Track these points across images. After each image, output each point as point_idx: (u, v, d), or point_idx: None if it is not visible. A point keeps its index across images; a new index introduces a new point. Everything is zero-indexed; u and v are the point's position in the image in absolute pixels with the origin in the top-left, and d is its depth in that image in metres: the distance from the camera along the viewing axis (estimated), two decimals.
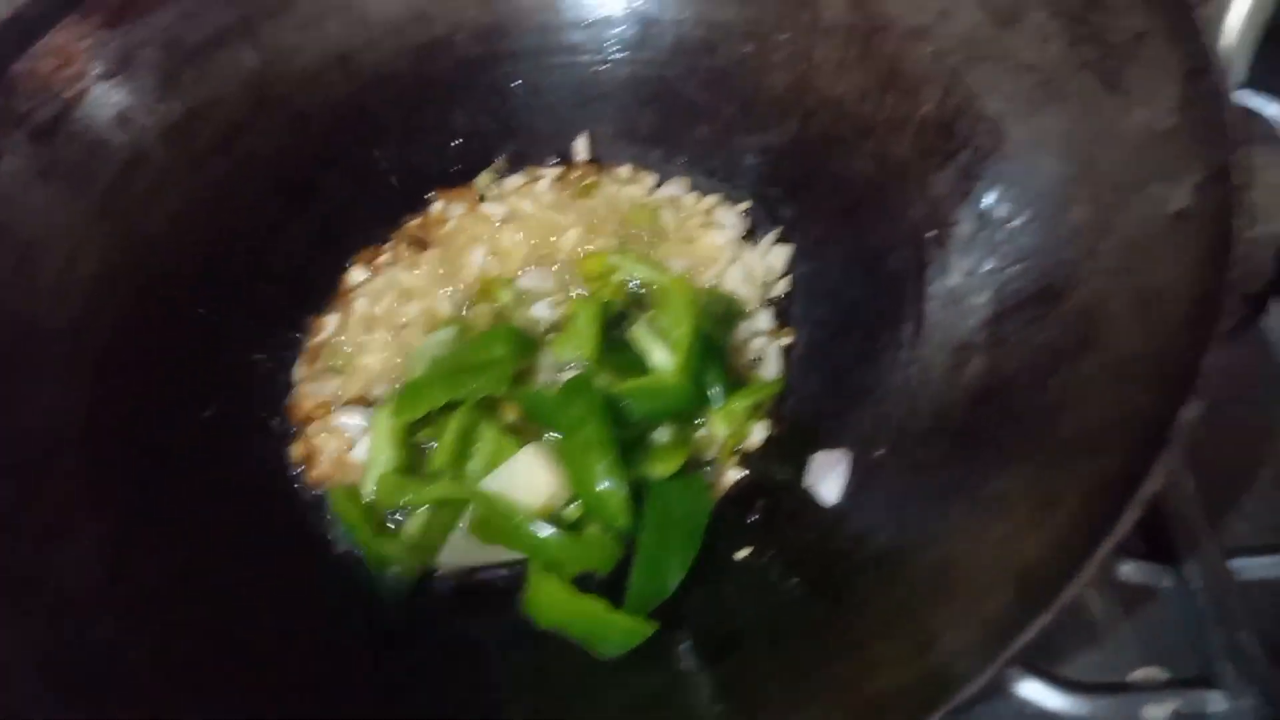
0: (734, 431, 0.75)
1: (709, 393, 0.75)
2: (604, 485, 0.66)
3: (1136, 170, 0.59)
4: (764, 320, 0.83)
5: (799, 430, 0.75)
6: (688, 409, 0.75)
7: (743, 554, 0.68)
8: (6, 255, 0.76)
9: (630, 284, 0.84)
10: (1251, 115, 0.93)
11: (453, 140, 0.97)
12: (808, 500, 0.68)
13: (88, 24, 0.84)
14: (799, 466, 0.71)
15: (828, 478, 0.68)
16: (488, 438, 0.73)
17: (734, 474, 0.74)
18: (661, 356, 0.75)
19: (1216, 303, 0.47)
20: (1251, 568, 0.69)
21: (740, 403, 0.75)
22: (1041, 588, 0.43)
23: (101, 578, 0.65)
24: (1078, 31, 0.66)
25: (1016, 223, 0.68)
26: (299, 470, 0.79)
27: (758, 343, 0.82)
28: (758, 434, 0.76)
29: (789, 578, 0.65)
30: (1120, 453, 0.47)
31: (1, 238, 0.76)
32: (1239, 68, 0.61)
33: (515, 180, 0.95)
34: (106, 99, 0.84)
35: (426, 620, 0.69)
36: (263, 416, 0.82)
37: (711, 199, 0.91)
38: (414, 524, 0.71)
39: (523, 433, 0.74)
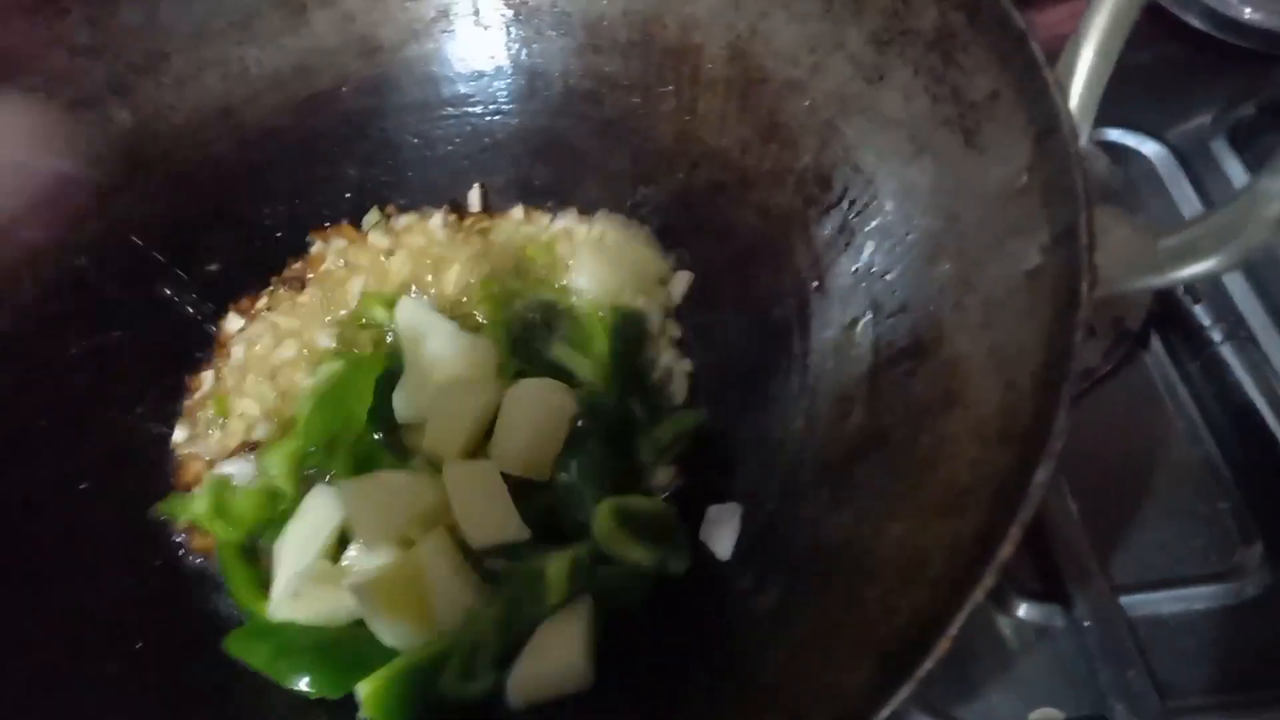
0: (656, 456, 0.76)
1: (634, 409, 0.76)
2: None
3: (995, 227, 0.61)
4: (669, 341, 0.84)
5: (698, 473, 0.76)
6: (620, 421, 0.75)
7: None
8: None
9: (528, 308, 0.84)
10: (1127, 154, 0.99)
11: (344, 194, 0.95)
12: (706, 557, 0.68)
13: None
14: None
15: (722, 532, 0.68)
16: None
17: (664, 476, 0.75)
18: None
19: (1064, 365, 0.48)
20: (1140, 604, 0.72)
21: (665, 430, 0.76)
22: (898, 664, 0.43)
23: None
24: (938, 89, 0.68)
25: (890, 276, 0.69)
26: (182, 539, 0.77)
27: (664, 360, 0.83)
28: (663, 476, 0.76)
29: (688, 639, 0.65)
30: (981, 513, 0.49)
31: None
32: (1085, 121, 0.63)
33: (406, 219, 0.94)
34: None
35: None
36: (143, 489, 0.79)
37: (604, 225, 0.91)
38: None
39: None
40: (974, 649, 0.71)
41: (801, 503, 0.66)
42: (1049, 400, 0.48)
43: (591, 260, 0.86)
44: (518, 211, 0.94)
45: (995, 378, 0.55)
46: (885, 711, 0.41)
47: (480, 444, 0.73)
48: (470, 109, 0.96)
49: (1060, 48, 0.71)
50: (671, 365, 0.81)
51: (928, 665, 0.42)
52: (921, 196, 0.69)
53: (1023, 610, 0.73)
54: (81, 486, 0.76)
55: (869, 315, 0.70)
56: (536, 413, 0.72)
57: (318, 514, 0.70)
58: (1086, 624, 0.70)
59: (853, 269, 0.73)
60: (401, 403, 0.76)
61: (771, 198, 0.81)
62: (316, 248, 0.93)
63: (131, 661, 0.68)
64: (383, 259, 0.91)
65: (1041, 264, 0.56)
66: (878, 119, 0.73)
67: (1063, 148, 0.57)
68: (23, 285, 0.82)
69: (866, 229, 0.73)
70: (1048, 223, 0.56)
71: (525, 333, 0.82)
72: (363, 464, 0.74)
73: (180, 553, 0.77)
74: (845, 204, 0.75)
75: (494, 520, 0.68)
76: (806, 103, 0.79)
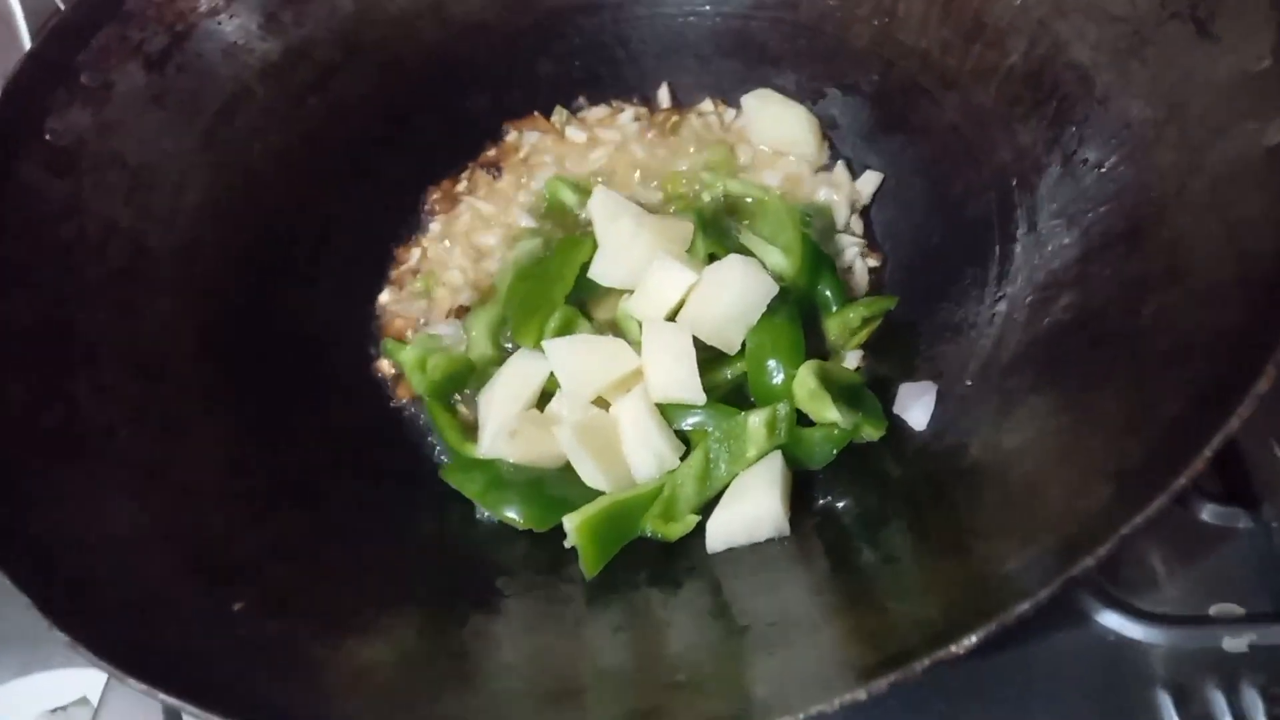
0: (847, 340, 0.79)
1: (825, 294, 0.79)
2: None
3: (1227, 111, 0.61)
4: (853, 236, 0.86)
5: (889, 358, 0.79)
6: (809, 303, 0.79)
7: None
8: (119, 180, 0.80)
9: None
10: None
11: (540, 88, 0.99)
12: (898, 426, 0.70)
13: None
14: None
15: (915, 406, 0.70)
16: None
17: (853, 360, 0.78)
18: (776, 258, 0.78)
19: None
20: None
21: (856, 312, 0.78)
22: (1141, 483, 0.45)
23: (218, 473, 0.69)
24: None
25: (1104, 167, 0.70)
26: (388, 384, 0.84)
27: (848, 255, 0.85)
28: (851, 360, 0.79)
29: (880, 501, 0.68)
30: (1221, 363, 0.50)
31: (115, 162, 0.80)
32: None
33: (598, 112, 0.98)
34: (213, 33, 0.87)
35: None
36: (356, 336, 0.86)
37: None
38: None
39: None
40: (1155, 542, 0.72)
41: (1003, 380, 0.67)
42: None
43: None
44: (706, 105, 0.97)
45: (1228, 250, 0.56)
46: (1138, 520, 0.43)
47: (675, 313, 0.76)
48: (664, 9, 0.98)
49: None
50: (854, 261, 0.83)
51: (1180, 481, 0.43)
52: (1142, 88, 0.68)
53: (1206, 512, 0.73)
54: (308, 337, 0.83)
55: (1079, 205, 0.70)
56: (735, 288, 0.74)
57: (526, 369, 0.75)
58: (1274, 525, 0.70)
59: (1061, 162, 0.73)
60: (600, 274, 0.80)
61: (973, 97, 0.81)
62: (511, 136, 0.98)
63: (355, 486, 0.74)
64: (576, 149, 0.95)
65: None
66: (1097, 15, 0.73)
67: None
68: (253, 150, 0.89)
69: (1078, 122, 0.73)
70: None
71: (715, 219, 0.85)
72: (561, 330, 0.78)
73: (390, 401, 0.83)
74: (1055, 101, 0.75)
75: (677, 379, 0.71)
76: (1018, 1, 0.79)
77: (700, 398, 0.71)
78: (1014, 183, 0.76)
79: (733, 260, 0.75)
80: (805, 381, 0.69)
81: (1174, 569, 0.71)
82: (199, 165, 0.85)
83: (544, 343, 0.75)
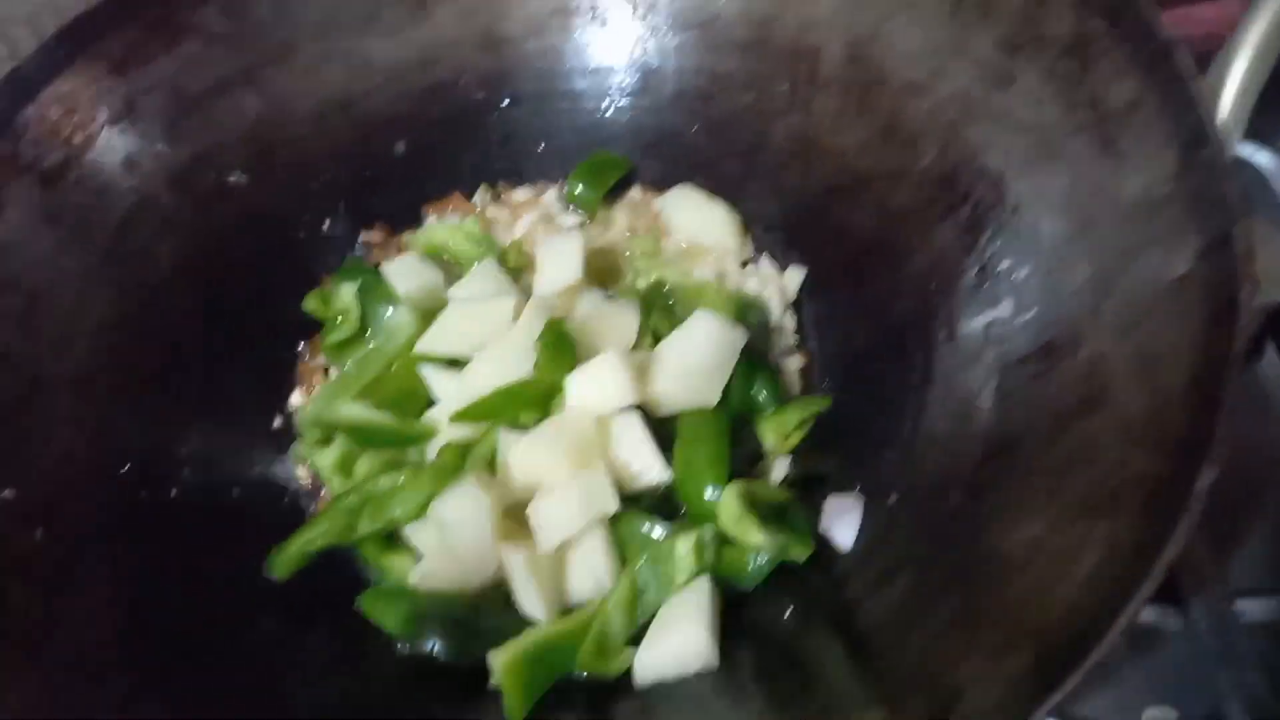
0: (782, 442, 0.78)
1: (757, 397, 0.78)
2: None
3: (1136, 234, 0.62)
4: (785, 334, 0.86)
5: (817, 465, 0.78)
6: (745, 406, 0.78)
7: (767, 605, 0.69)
8: (12, 305, 0.76)
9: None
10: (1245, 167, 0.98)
11: (458, 182, 0.98)
12: (824, 546, 0.70)
13: (94, 71, 0.85)
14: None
15: (841, 523, 0.69)
16: None
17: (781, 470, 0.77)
18: None
19: (1223, 372, 0.49)
20: (1257, 609, 0.72)
21: (791, 415, 0.77)
22: (1065, 648, 0.44)
23: (114, 630, 0.65)
24: (1072, 96, 0.69)
25: (1018, 277, 0.70)
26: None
27: (777, 353, 0.85)
28: (778, 469, 0.78)
29: (811, 625, 0.67)
30: (1137, 516, 0.50)
31: (8, 288, 0.77)
32: (1236, 131, 0.63)
33: (521, 194, 0.98)
34: (113, 144, 0.85)
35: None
36: (268, 448, 0.84)
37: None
38: None
39: None
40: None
41: (928, 500, 0.67)
42: (1207, 407, 0.49)
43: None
44: (635, 193, 0.97)
45: (1140, 381, 0.56)
46: (1054, 699, 0.42)
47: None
48: (585, 103, 0.98)
49: (1205, 48, 0.71)
50: (784, 361, 0.83)
51: (1094, 659, 0.43)
52: (1054, 200, 0.69)
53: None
54: (216, 461, 0.80)
55: (994, 315, 0.70)
56: (706, 343, 0.75)
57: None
58: (1203, 626, 0.70)
59: (977, 270, 0.74)
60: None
61: (890, 198, 0.82)
62: (430, 221, 0.96)
63: (269, 627, 0.71)
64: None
65: (1190, 271, 0.56)
66: (1005, 124, 0.74)
67: (1212, 159, 0.58)
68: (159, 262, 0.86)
69: (992, 230, 0.73)
70: (1197, 232, 0.57)
71: (659, 300, 0.86)
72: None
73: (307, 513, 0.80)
74: (968, 205, 0.76)
75: (644, 464, 0.71)
76: (928, 105, 0.80)
77: (667, 473, 0.71)
78: (932, 287, 0.76)
79: (698, 316, 0.76)
80: (729, 506, 0.68)
81: (1106, 672, 0.71)
82: (100, 282, 0.82)
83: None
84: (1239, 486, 0.78)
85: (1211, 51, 0.69)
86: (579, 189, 0.94)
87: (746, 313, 0.83)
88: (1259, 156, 0.97)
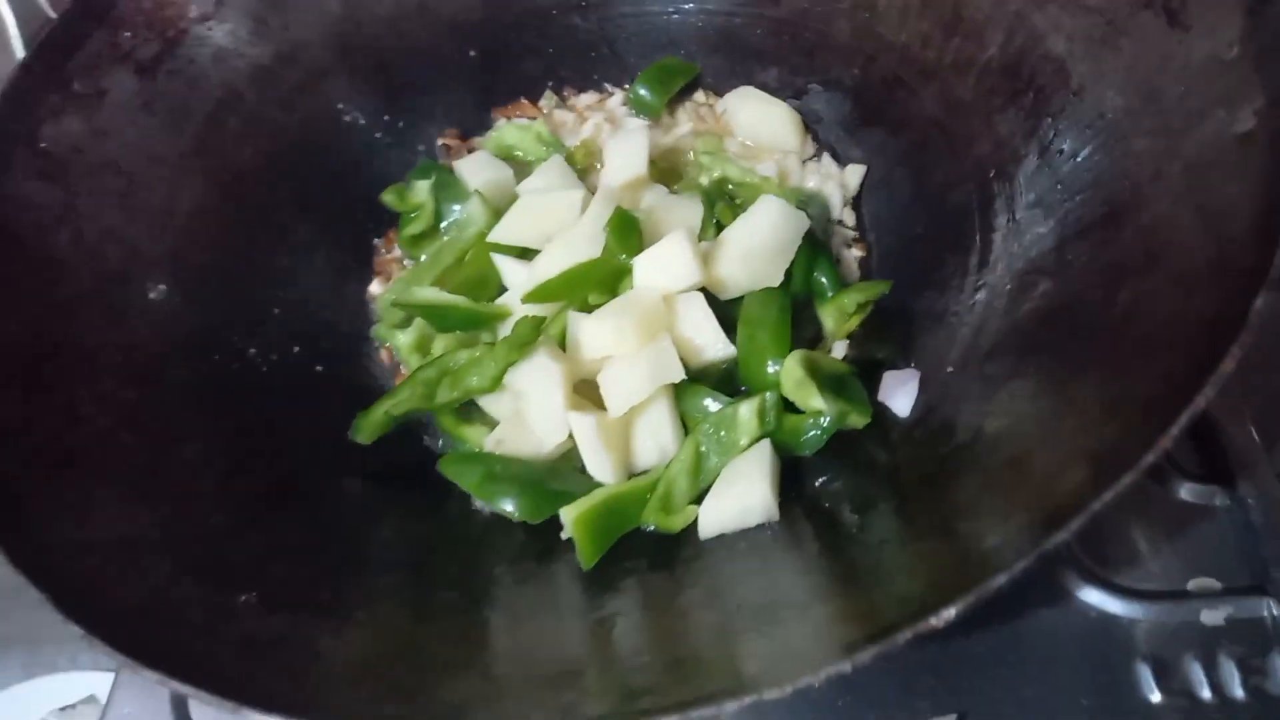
0: (841, 325, 0.80)
1: (819, 281, 0.81)
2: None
3: (1200, 99, 0.63)
4: (842, 227, 0.88)
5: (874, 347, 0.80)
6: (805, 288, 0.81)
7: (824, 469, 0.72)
8: (114, 185, 0.81)
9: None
10: None
11: (525, 84, 1.01)
12: (882, 412, 0.72)
13: None
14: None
15: (898, 394, 0.72)
16: None
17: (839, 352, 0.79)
18: None
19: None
20: None
21: (851, 297, 0.79)
22: (1118, 462, 0.47)
23: (216, 474, 0.70)
24: None
25: (1080, 156, 0.71)
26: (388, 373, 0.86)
27: (836, 245, 0.87)
28: (839, 349, 0.80)
29: (862, 487, 0.70)
30: (1193, 346, 0.51)
31: (109, 169, 0.81)
32: None
33: (586, 98, 1.01)
34: (203, 39, 0.89)
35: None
36: (349, 329, 0.88)
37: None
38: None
39: None
40: (1135, 520, 0.74)
41: (984, 367, 0.69)
42: (1266, 240, 0.50)
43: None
44: (699, 95, 0.99)
45: (1203, 235, 0.58)
46: (1108, 496, 0.45)
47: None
48: (649, 6, 1.00)
49: None
50: (842, 251, 0.85)
51: (1149, 458, 0.45)
52: (1118, 77, 0.70)
53: (1184, 491, 0.75)
54: (300, 334, 0.85)
55: (1056, 194, 0.72)
56: (769, 226, 0.77)
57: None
58: (1250, 501, 0.72)
59: (1038, 152, 0.75)
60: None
61: (953, 90, 0.83)
62: (500, 124, 0.99)
63: (353, 482, 0.76)
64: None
65: (1255, 127, 0.57)
66: (1071, 6, 0.75)
67: (1277, 15, 0.58)
68: (243, 154, 0.90)
69: (1055, 113, 0.74)
70: (1262, 88, 0.58)
71: (722, 194, 0.88)
72: None
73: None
74: (1032, 92, 0.77)
75: (708, 340, 0.74)
76: None
77: (730, 349, 0.74)
78: (992, 174, 0.78)
79: (763, 201, 0.78)
80: (792, 372, 0.70)
81: (1153, 546, 0.73)
82: (191, 170, 0.86)
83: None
84: None
85: None
86: (644, 93, 0.97)
87: (808, 205, 0.85)
88: None
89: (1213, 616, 0.68)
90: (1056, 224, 0.71)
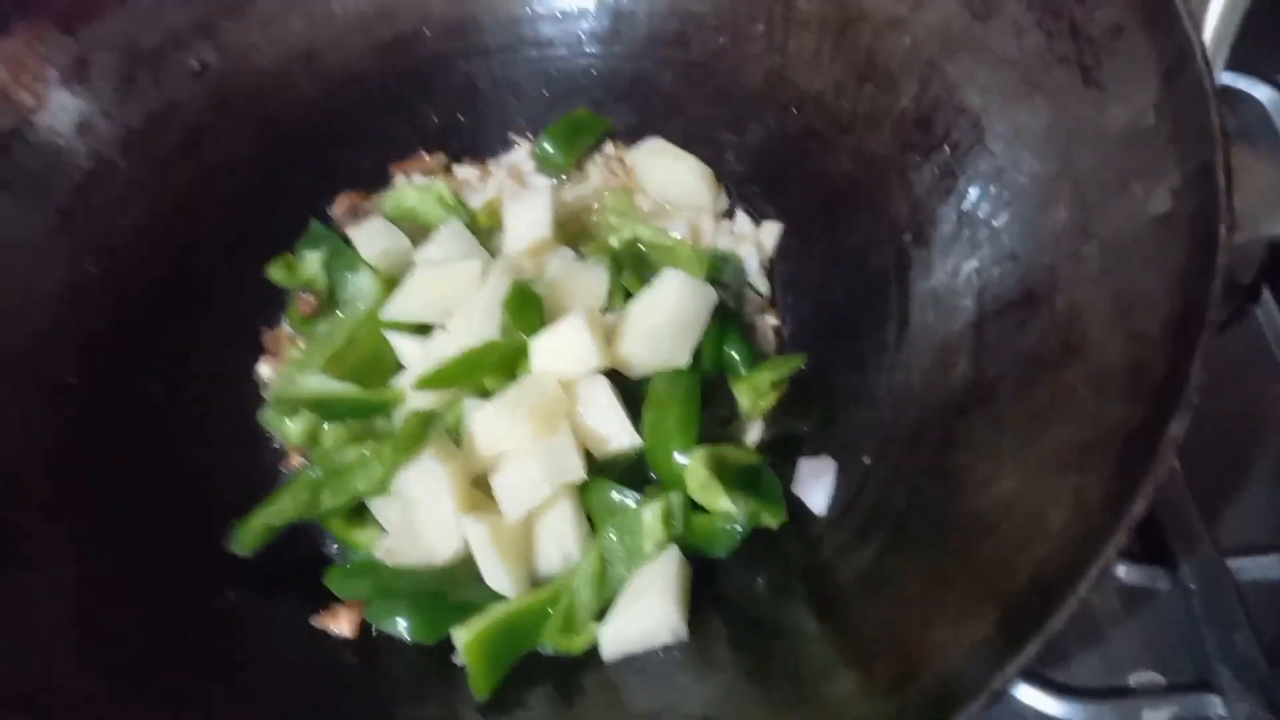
0: (756, 403, 0.75)
1: (731, 357, 0.76)
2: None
3: (1116, 170, 0.58)
4: (760, 291, 0.83)
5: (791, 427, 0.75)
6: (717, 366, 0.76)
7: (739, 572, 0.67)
8: None
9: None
10: (1237, 97, 0.93)
11: (425, 138, 0.94)
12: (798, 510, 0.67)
13: (40, 29, 0.81)
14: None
15: (814, 487, 0.67)
16: None
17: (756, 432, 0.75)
18: None
19: (1201, 312, 0.46)
20: (1249, 568, 0.69)
21: (765, 375, 0.74)
22: (1023, 619, 0.42)
23: (66, 615, 0.63)
24: (1054, 24, 0.65)
25: (998, 222, 0.67)
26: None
27: (751, 311, 0.82)
28: (753, 431, 0.75)
29: (783, 592, 0.65)
30: (1106, 469, 0.47)
31: None
32: (1220, 58, 0.59)
33: (491, 150, 0.95)
34: (65, 106, 0.82)
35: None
36: (234, 418, 0.80)
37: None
38: None
39: None
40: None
41: (902, 458, 0.64)
42: (1183, 350, 0.46)
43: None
44: (608, 148, 0.93)
45: (1119, 328, 0.53)
46: (1013, 667, 0.40)
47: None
48: (553, 51, 0.94)
49: None
50: (756, 319, 0.80)
51: (1057, 622, 0.40)
52: (1034, 138, 0.66)
53: (1123, 572, 0.71)
54: (179, 428, 0.78)
55: (974, 264, 0.67)
56: (674, 302, 0.72)
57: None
58: (1192, 586, 0.68)
59: (955, 216, 0.70)
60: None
61: (867, 143, 0.78)
62: (398, 180, 0.92)
63: (236, 597, 0.70)
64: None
65: (1172, 208, 0.53)
66: (985, 57, 0.70)
67: (1196, 83, 0.54)
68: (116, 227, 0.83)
69: (971, 173, 0.70)
70: (1178, 164, 0.54)
71: (631, 260, 0.81)
72: None
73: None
74: (947, 147, 0.72)
75: (613, 429, 0.69)
76: (907, 41, 0.76)
77: (636, 439, 0.69)
78: (909, 237, 0.73)
79: (667, 275, 0.73)
80: (697, 472, 0.65)
81: (1093, 635, 0.69)
82: (55, 249, 0.79)
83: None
84: (1231, 441, 0.74)
85: None
86: (550, 149, 0.90)
87: (720, 270, 0.79)
88: (1259, 90, 0.92)
89: (1156, 716, 0.64)
90: (975, 299, 0.66)
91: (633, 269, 0.80)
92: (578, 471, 0.66)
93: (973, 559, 0.51)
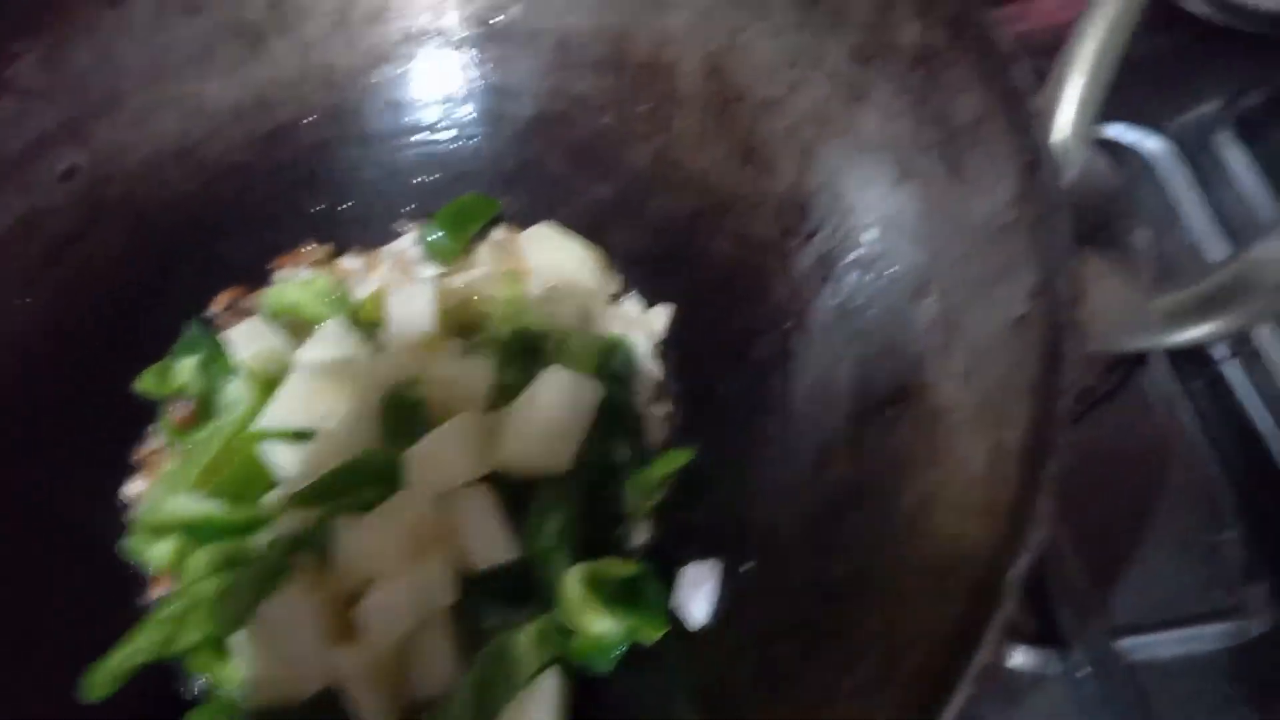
0: (644, 503, 0.73)
1: (617, 456, 0.73)
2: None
3: (982, 266, 0.57)
4: (651, 378, 0.80)
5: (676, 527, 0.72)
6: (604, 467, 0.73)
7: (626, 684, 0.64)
8: None
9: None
10: (1123, 150, 0.94)
11: (309, 229, 0.91)
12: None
13: None
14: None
15: (696, 595, 0.64)
16: None
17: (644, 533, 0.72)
18: None
19: (1047, 438, 0.44)
20: (1141, 646, 0.67)
21: (653, 474, 0.72)
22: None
23: None
24: (922, 111, 0.64)
25: (873, 312, 0.65)
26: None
27: (641, 400, 0.79)
28: (640, 533, 0.73)
29: (671, 704, 0.62)
30: (960, 604, 0.45)
31: None
32: (1077, 152, 0.57)
33: (377, 241, 0.91)
34: None
35: None
36: (101, 541, 0.76)
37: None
38: None
39: None
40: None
41: (782, 564, 0.62)
42: (1031, 478, 0.44)
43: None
44: (498, 232, 0.90)
45: (982, 436, 0.51)
46: None
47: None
48: (437, 136, 0.92)
49: (1054, 39, 0.67)
50: (648, 408, 0.77)
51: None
52: (905, 227, 0.64)
53: (1017, 656, 0.69)
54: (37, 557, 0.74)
55: (851, 355, 0.65)
56: (557, 403, 0.70)
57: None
58: (1082, 671, 0.66)
59: (834, 304, 0.69)
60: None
61: (749, 225, 0.77)
62: (282, 273, 0.89)
63: None
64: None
65: (1028, 312, 0.51)
66: (858, 141, 0.69)
67: (1047, 185, 0.53)
68: None
69: (847, 261, 0.68)
70: (1035, 266, 0.52)
71: (518, 351, 0.79)
72: None
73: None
74: (825, 233, 0.71)
75: (491, 543, 0.66)
76: (785, 123, 0.75)
77: (515, 551, 0.66)
78: (790, 324, 0.71)
79: (547, 374, 0.71)
80: (572, 591, 0.62)
81: None
82: None
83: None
84: (1122, 511, 0.73)
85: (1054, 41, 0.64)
86: (438, 237, 0.88)
87: (609, 359, 0.77)
88: (1147, 142, 0.92)
89: None
90: (853, 393, 0.64)
91: (519, 362, 0.77)
92: (448, 596, 0.64)
93: (838, 689, 0.49)
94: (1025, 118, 0.55)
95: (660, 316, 0.82)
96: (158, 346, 0.84)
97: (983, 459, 0.50)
